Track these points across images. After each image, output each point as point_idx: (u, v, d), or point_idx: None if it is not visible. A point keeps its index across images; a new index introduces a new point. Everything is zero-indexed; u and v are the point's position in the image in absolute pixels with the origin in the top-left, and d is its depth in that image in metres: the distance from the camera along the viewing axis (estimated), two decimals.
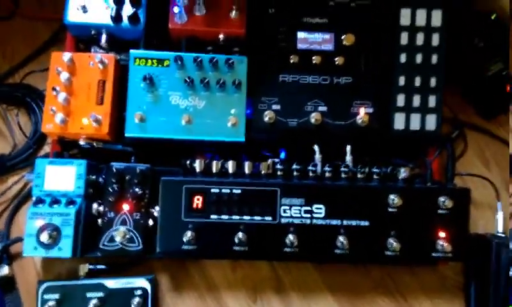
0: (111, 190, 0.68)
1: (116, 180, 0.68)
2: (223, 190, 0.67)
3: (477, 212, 0.80)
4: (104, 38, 0.75)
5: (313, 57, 0.74)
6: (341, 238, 0.66)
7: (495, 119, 0.85)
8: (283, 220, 0.67)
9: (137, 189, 0.69)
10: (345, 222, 0.67)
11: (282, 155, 0.77)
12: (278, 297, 0.74)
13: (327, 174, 0.70)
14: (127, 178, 0.69)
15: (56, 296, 0.68)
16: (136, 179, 0.69)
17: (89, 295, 0.68)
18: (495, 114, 0.85)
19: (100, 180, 0.70)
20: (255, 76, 0.74)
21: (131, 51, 0.73)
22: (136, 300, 0.68)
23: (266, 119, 0.72)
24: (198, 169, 0.70)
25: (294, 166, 0.70)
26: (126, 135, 0.70)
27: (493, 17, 0.81)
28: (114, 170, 0.68)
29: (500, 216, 0.77)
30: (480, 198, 0.80)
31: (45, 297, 0.68)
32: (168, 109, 0.71)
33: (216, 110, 0.72)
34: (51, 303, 0.67)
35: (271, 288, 0.75)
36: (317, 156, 0.72)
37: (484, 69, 0.81)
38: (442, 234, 0.67)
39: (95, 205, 0.69)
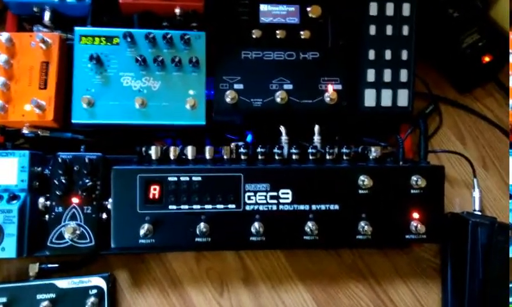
0: (57, 182, 0.62)
1: (63, 171, 0.62)
2: (182, 178, 0.62)
3: (453, 189, 0.77)
4: (47, 15, 0.68)
5: (278, 32, 0.69)
6: (310, 224, 0.62)
7: (471, 93, 0.82)
8: (248, 208, 0.62)
9: (87, 180, 0.63)
10: (313, 207, 0.63)
11: (249, 138, 0.72)
12: (246, 288, 0.70)
13: (294, 157, 0.65)
14: (75, 168, 0.63)
15: (3, 299, 0.62)
16: (85, 169, 0.63)
17: (39, 296, 0.63)
18: (470, 88, 0.82)
19: (47, 172, 0.64)
20: (214, 53, 0.68)
21: (76, 28, 0.66)
22: (91, 300, 0.63)
23: (228, 99, 0.66)
24: (154, 157, 0.64)
25: (259, 149, 0.65)
26: (73, 121, 0.64)
27: None
28: (61, 160, 0.62)
29: (476, 193, 0.74)
30: (456, 175, 0.77)
31: None
32: (120, 92, 0.65)
33: (172, 92, 0.66)
34: None
35: (238, 279, 0.70)
36: (284, 138, 0.67)
37: (458, 41, 0.76)
38: (416, 215, 0.64)
39: (41, 200, 0.63)
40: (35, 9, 0.69)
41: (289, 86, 0.68)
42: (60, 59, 0.66)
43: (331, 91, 0.67)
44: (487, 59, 0.76)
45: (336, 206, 0.63)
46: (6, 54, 0.64)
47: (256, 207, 0.63)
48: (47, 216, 0.63)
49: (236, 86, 0.67)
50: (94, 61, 0.64)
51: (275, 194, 0.63)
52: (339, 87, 0.68)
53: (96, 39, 0.65)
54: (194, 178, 0.62)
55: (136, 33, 0.65)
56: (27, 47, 0.65)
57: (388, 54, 0.69)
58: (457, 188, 0.77)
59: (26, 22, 0.73)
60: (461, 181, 0.77)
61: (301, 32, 0.69)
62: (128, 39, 0.65)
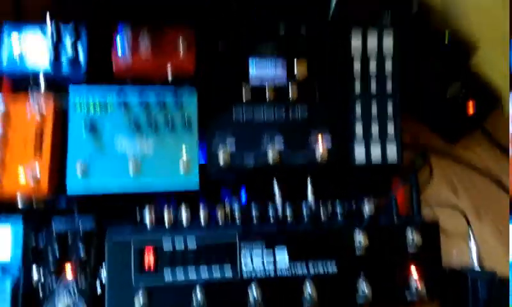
0: (51, 255, 0.62)
1: (57, 243, 0.62)
2: (177, 246, 0.61)
3: (450, 241, 0.76)
4: (42, 83, 0.69)
5: (267, 92, 0.70)
6: (308, 289, 0.61)
7: (459, 142, 0.83)
8: (245, 272, 0.62)
9: (81, 252, 0.62)
10: (311, 269, 0.62)
11: (243, 195, 0.72)
12: None
13: (288, 215, 0.66)
14: (69, 239, 0.63)
15: None
16: (79, 240, 0.62)
17: None
18: (459, 137, 0.83)
19: (40, 240, 0.63)
20: (205, 115, 0.69)
21: (70, 90, 0.67)
22: None
23: (221, 159, 0.67)
24: (147, 222, 0.64)
25: (253, 211, 0.65)
26: (68, 191, 0.64)
27: (446, 40, 0.78)
28: (55, 234, 0.62)
29: (472, 245, 0.73)
30: (452, 227, 0.77)
31: None
32: (114, 157, 0.65)
33: (166, 155, 0.67)
34: None
35: None
36: (277, 196, 0.67)
37: (442, 91, 0.78)
38: (414, 272, 0.63)
39: (34, 272, 0.62)
40: (30, 77, 0.70)
41: (280, 144, 0.69)
42: (55, 126, 0.66)
43: (321, 148, 0.68)
44: (471, 108, 0.78)
45: (334, 268, 0.63)
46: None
47: (253, 273, 0.62)
48: (40, 289, 0.61)
49: (228, 146, 0.68)
50: (88, 127, 0.65)
51: (271, 258, 0.62)
52: (329, 143, 0.69)
53: (91, 106, 0.66)
54: (189, 244, 0.61)
55: (130, 102, 0.67)
56: (21, 114, 0.65)
57: (374, 109, 0.71)
58: (453, 240, 0.76)
59: (21, 84, 0.74)
60: (456, 232, 0.77)
61: (289, 91, 0.70)
62: (123, 108, 0.66)
